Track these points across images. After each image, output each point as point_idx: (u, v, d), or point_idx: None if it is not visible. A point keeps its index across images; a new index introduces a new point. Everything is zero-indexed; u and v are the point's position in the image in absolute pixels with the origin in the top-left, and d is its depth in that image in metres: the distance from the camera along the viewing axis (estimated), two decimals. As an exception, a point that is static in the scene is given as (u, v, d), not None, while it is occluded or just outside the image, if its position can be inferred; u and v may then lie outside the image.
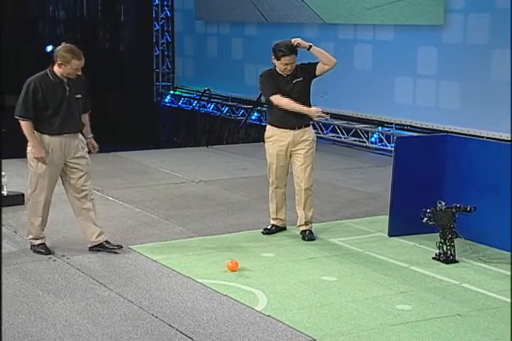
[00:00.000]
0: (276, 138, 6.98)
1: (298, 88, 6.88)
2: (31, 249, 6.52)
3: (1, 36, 14.78)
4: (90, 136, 6.58)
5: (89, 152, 6.53)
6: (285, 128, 6.94)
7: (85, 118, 6.58)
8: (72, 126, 6.37)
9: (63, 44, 6.29)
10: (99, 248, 6.52)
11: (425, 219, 6.36)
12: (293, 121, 6.90)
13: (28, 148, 6.34)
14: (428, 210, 6.35)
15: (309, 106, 6.95)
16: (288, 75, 6.86)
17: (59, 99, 6.26)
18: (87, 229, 6.52)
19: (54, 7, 16.37)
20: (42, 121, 6.28)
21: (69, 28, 16.55)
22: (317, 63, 6.94)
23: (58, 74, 6.24)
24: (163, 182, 9.45)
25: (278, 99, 6.82)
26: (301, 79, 6.89)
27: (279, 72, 6.88)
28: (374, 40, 11.65)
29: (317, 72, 6.93)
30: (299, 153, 6.95)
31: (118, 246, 6.54)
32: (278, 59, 6.79)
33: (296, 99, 6.86)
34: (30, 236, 6.53)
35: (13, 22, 14.97)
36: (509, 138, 9.32)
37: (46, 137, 6.30)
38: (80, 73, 6.30)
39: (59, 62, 6.19)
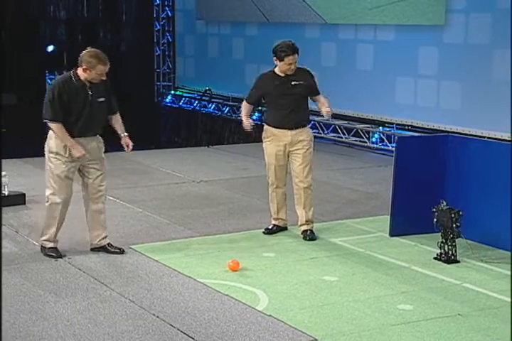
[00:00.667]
0: (274, 138, 7.00)
1: (297, 90, 6.89)
2: (41, 251, 6.48)
3: (1, 36, 14.82)
4: (125, 134, 6.52)
5: (126, 146, 6.51)
6: (282, 128, 6.96)
7: (117, 118, 6.53)
8: (93, 130, 6.36)
9: (88, 48, 6.22)
10: (100, 249, 6.54)
11: (435, 219, 6.36)
12: (290, 121, 6.92)
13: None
14: (433, 209, 6.36)
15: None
16: (288, 75, 6.87)
17: (81, 102, 6.23)
18: (93, 231, 6.53)
19: (55, 7, 16.37)
20: (65, 124, 6.26)
21: (70, 28, 16.55)
22: (316, 94, 7.03)
23: (82, 78, 6.19)
24: (164, 182, 9.46)
25: None
26: (301, 82, 6.89)
27: (279, 73, 6.89)
28: (375, 40, 11.66)
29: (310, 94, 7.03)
30: (297, 152, 6.96)
31: (120, 249, 6.53)
32: (281, 60, 6.79)
33: (293, 101, 6.88)
34: (44, 238, 6.46)
35: (14, 22, 14.98)
36: (509, 138, 9.34)
37: None
38: (104, 78, 6.25)
39: (84, 67, 6.14)
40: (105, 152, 6.57)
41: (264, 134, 7.09)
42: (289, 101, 6.90)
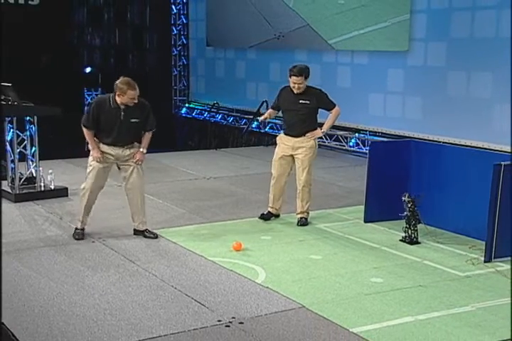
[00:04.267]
0: (281, 141, 7.02)
1: (303, 108, 6.78)
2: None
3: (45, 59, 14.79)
4: (142, 150, 6.41)
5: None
6: (288, 135, 6.96)
7: (147, 135, 6.45)
8: (123, 141, 6.32)
9: (121, 78, 6.18)
10: (138, 233, 6.52)
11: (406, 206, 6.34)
12: (294, 131, 6.89)
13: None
14: (403, 198, 6.33)
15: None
16: (297, 94, 6.78)
17: (113, 121, 6.21)
18: (134, 216, 6.53)
19: (91, 36, 16.36)
20: (99, 134, 6.32)
21: (104, 53, 16.52)
22: (330, 109, 6.91)
23: (118, 101, 6.18)
24: (180, 179, 9.46)
25: None
26: (308, 102, 6.78)
27: (293, 89, 6.81)
28: (352, 63, 11.64)
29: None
30: (297, 157, 6.94)
31: (154, 234, 6.51)
32: (290, 77, 6.75)
33: (301, 117, 6.81)
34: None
35: (59, 47, 14.95)
36: (461, 143, 9.35)
37: (100, 145, 6.34)
38: (136, 101, 6.16)
39: (118, 92, 6.12)
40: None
41: (277, 138, 7.12)
42: (294, 116, 6.86)
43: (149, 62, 16.91)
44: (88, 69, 15.82)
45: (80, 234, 6.45)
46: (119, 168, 6.49)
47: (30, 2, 14.56)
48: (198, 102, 16.34)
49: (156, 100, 16.82)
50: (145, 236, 6.48)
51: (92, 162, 6.35)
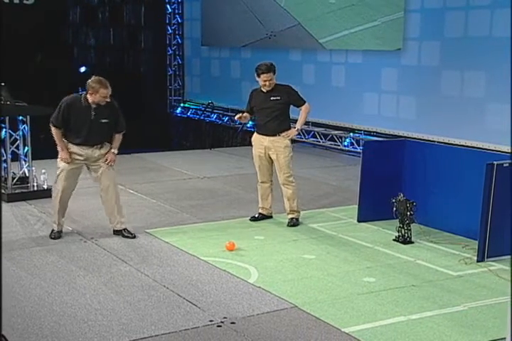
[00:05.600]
0: (255, 142, 6.99)
1: (275, 105, 6.78)
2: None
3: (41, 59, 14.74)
4: (113, 150, 6.35)
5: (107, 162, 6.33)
6: (261, 134, 6.92)
7: (117, 137, 6.36)
8: (93, 141, 6.24)
9: (93, 76, 6.14)
10: (117, 233, 6.48)
11: (394, 208, 6.35)
12: (267, 129, 6.86)
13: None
14: (393, 200, 6.34)
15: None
16: (268, 91, 6.79)
17: (83, 121, 6.16)
18: (109, 217, 6.49)
19: (86, 36, 16.32)
20: (68, 134, 6.25)
21: (99, 53, 16.49)
22: (300, 105, 6.87)
23: (90, 100, 6.13)
24: (174, 178, 9.43)
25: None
26: (279, 98, 6.79)
27: (262, 89, 6.82)
28: (346, 62, 11.62)
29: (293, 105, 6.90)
30: (274, 157, 6.91)
31: (132, 234, 6.45)
32: (258, 76, 6.74)
33: (273, 115, 6.79)
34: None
35: (53, 47, 14.92)
36: (455, 142, 9.35)
37: (69, 144, 6.28)
38: (108, 100, 6.13)
39: (90, 91, 6.08)
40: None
41: (252, 139, 7.07)
42: (267, 113, 6.83)
43: (144, 61, 16.89)
44: (83, 69, 15.79)
45: (56, 234, 6.41)
46: (88, 169, 6.40)
47: (25, 1, 14.51)
48: (193, 102, 16.32)
49: (151, 100, 16.93)
50: (123, 236, 6.42)
51: (60, 164, 6.28)
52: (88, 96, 6.13)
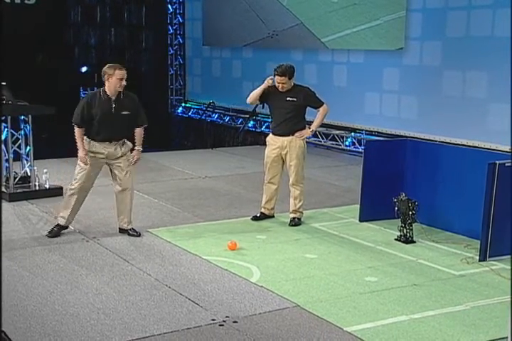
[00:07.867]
0: (270, 142, 6.98)
1: (290, 106, 6.76)
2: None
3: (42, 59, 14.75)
4: (138, 148, 6.33)
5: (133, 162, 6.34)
6: (276, 135, 6.93)
7: (137, 132, 6.34)
8: (114, 137, 6.26)
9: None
10: (123, 232, 6.51)
11: (396, 208, 6.35)
12: (281, 130, 6.86)
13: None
14: (395, 200, 6.35)
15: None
16: (283, 92, 6.77)
17: (105, 114, 6.14)
18: (118, 216, 6.50)
19: (87, 35, 16.34)
20: (91, 131, 6.23)
21: (99, 53, 16.51)
22: (317, 107, 6.87)
23: (108, 91, 6.12)
24: (175, 178, 9.44)
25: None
26: (295, 99, 6.76)
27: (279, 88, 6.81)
28: (348, 62, 11.63)
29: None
30: (287, 157, 6.90)
31: (138, 232, 6.49)
32: (274, 76, 6.74)
33: (288, 116, 6.78)
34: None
35: (54, 47, 14.92)
36: (457, 142, 9.35)
37: (92, 142, 6.28)
38: (124, 83, 6.09)
39: (106, 77, 6.08)
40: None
41: (267, 138, 7.08)
42: (282, 114, 6.82)
43: (145, 61, 16.90)
44: (84, 69, 15.80)
45: (57, 232, 6.41)
46: (111, 170, 6.40)
47: (26, 1, 14.52)
48: (194, 101, 16.33)
49: (152, 99, 16.91)
50: (129, 235, 6.45)
51: (81, 163, 6.29)
52: (106, 84, 6.11)
